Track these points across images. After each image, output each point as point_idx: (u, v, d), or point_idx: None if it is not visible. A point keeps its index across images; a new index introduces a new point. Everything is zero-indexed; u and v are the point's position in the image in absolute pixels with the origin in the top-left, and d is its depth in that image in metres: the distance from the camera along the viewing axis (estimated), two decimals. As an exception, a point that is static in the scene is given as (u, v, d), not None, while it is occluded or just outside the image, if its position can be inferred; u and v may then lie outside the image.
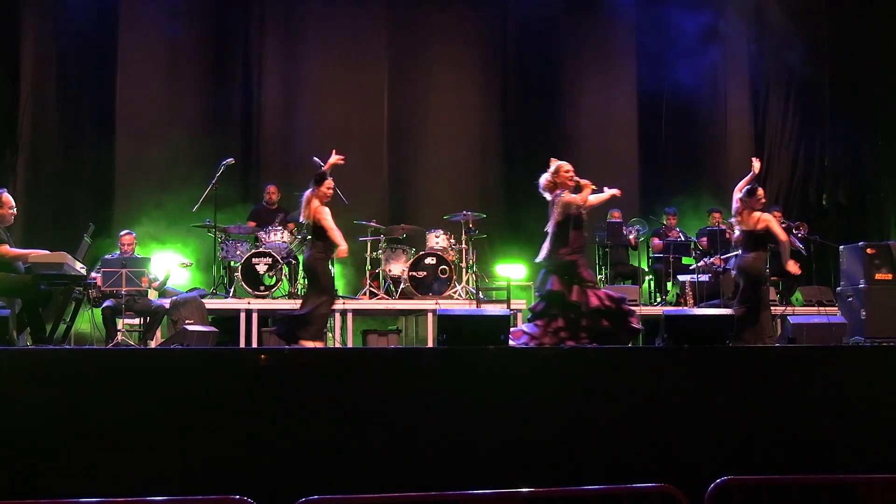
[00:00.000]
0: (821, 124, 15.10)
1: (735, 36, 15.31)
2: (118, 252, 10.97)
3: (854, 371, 7.19)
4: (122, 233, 11.22)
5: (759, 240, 9.50)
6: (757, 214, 9.45)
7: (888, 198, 14.46)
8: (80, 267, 9.15)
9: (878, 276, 11.68)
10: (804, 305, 12.60)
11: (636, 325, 8.68)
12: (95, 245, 11.22)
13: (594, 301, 8.53)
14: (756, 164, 9.93)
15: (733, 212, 9.66)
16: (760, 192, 9.55)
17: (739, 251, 9.86)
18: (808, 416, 6.83)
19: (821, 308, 12.01)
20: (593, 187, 8.80)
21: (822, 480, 4.73)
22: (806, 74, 15.17)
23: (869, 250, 11.80)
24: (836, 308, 11.81)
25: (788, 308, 12.43)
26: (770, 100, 15.37)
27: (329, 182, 9.34)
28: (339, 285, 12.50)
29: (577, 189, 8.83)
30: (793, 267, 9.81)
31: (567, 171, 8.80)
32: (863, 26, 14.64)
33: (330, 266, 9.89)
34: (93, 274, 9.73)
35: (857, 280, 11.77)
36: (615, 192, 9.03)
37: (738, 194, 9.62)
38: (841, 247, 12.36)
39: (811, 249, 12.89)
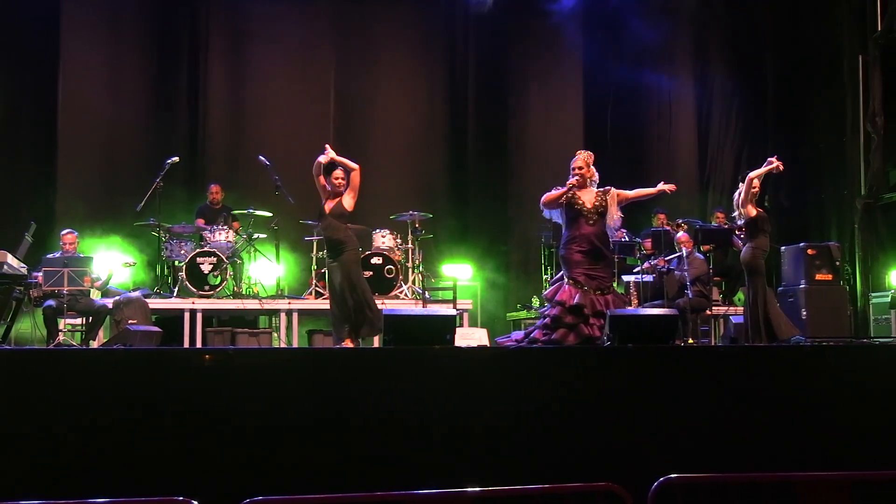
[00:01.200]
0: (763, 127, 15.28)
1: (680, 43, 15.46)
2: (60, 251, 10.81)
3: (795, 370, 7.28)
4: (64, 232, 11.04)
5: (756, 227, 9.83)
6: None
7: (828, 199, 14.66)
8: (20, 266, 9.03)
9: (818, 277, 11.87)
10: (746, 305, 12.75)
11: (577, 335, 8.63)
12: (36, 244, 11.06)
13: (561, 295, 8.70)
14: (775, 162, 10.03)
15: (736, 204, 9.88)
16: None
17: (746, 242, 10.14)
18: (749, 415, 6.90)
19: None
20: (572, 184, 8.94)
21: (762, 478, 4.79)
22: (748, 80, 15.36)
23: (809, 251, 11.98)
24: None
25: (731, 308, 12.58)
26: (714, 104, 15.52)
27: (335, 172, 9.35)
28: (285, 285, 12.44)
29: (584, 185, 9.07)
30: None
31: (572, 168, 9.08)
32: (802, 34, 14.87)
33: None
34: (34, 273, 9.60)
35: (797, 280, 11.93)
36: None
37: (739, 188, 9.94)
38: (782, 247, 12.52)
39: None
